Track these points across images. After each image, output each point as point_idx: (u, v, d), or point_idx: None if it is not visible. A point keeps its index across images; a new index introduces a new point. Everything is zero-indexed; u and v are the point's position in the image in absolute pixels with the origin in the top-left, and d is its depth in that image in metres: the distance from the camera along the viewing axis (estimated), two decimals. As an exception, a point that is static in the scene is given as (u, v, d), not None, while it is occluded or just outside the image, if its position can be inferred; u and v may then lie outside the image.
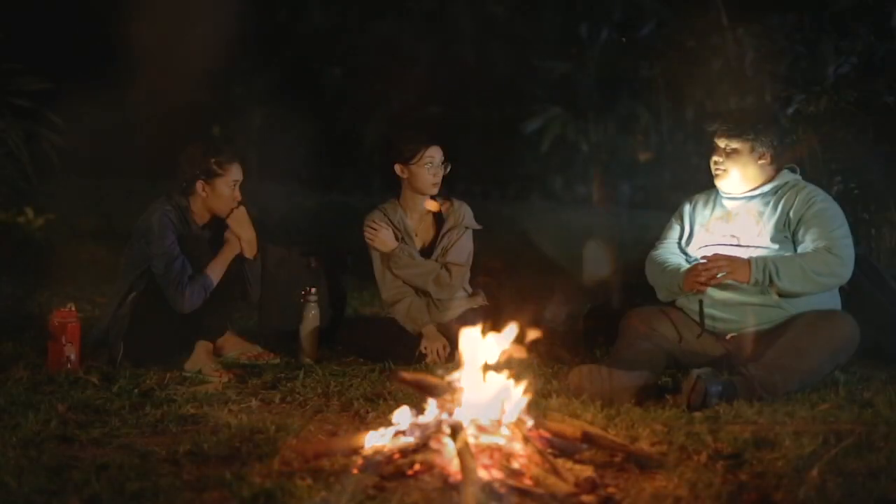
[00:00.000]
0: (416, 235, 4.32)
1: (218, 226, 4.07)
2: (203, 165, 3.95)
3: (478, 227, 4.37)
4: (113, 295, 4.02)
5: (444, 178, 4.27)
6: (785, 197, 3.77)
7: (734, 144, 3.77)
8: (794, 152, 4.85)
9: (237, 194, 4.01)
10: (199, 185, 3.95)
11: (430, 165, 4.21)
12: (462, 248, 4.29)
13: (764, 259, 3.64)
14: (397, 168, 4.25)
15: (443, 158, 4.24)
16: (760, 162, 3.78)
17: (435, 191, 4.27)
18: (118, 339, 3.90)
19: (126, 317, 3.91)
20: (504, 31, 14.52)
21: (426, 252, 4.31)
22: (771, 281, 3.60)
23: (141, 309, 3.91)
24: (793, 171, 3.88)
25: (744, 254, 3.72)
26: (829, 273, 3.62)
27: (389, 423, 2.79)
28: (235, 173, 4.00)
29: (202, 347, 3.94)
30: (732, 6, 10.44)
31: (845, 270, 3.66)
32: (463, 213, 4.33)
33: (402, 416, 2.76)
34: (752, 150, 3.76)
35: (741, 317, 3.74)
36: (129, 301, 3.92)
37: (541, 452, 2.63)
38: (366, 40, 14.42)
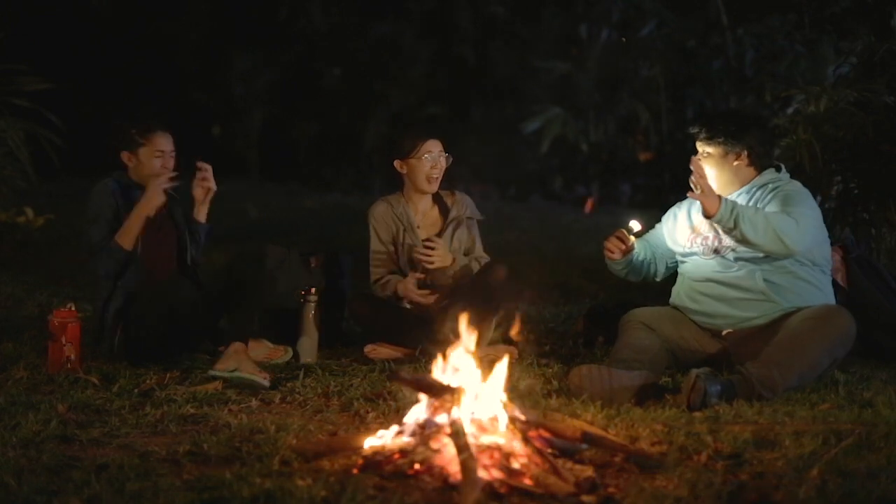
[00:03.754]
0: (420, 228, 4.32)
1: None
2: (125, 136, 4.01)
3: (481, 217, 4.41)
4: (96, 290, 4.04)
5: (446, 171, 4.28)
6: (758, 194, 3.80)
7: (708, 149, 3.81)
8: (795, 152, 4.86)
9: (169, 164, 4.04)
10: (125, 155, 4.02)
11: (429, 158, 4.22)
12: (478, 239, 4.36)
13: (734, 202, 3.64)
14: (396, 164, 4.27)
15: (441, 151, 4.26)
16: (736, 163, 3.80)
17: (433, 187, 4.28)
18: (115, 329, 3.90)
19: (119, 303, 3.92)
20: (504, 31, 14.53)
21: None
22: (735, 224, 3.57)
23: (136, 308, 3.91)
24: (778, 170, 3.89)
25: (726, 257, 3.77)
26: (787, 235, 3.58)
27: (389, 423, 2.80)
28: (160, 143, 4.03)
29: (238, 347, 3.83)
30: (732, 6, 10.45)
31: (800, 239, 3.62)
32: (466, 205, 4.36)
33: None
34: (725, 153, 3.79)
35: (736, 310, 3.75)
36: (106, 284, 3.93)
37: (540, 453, 2.63)
38: (366, 40, 14.43)
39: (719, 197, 3.63)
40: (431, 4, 14.59)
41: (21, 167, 6.27)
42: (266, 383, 3.66)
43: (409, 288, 4.18)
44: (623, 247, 3.88)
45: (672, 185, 12.89)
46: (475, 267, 4.26)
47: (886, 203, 4.87)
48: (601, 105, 13.41)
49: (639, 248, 3.95)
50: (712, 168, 3.80)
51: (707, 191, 3.63)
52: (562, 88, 13.83)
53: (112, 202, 3.94)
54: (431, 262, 4.16)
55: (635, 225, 3.90)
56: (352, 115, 14.70)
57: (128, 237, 3.92)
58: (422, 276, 4.19)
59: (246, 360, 3.79)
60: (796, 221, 3.62)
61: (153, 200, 3.96)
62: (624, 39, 12.74)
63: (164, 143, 4.04)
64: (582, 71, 13.42)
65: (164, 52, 14.88)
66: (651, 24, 12.39)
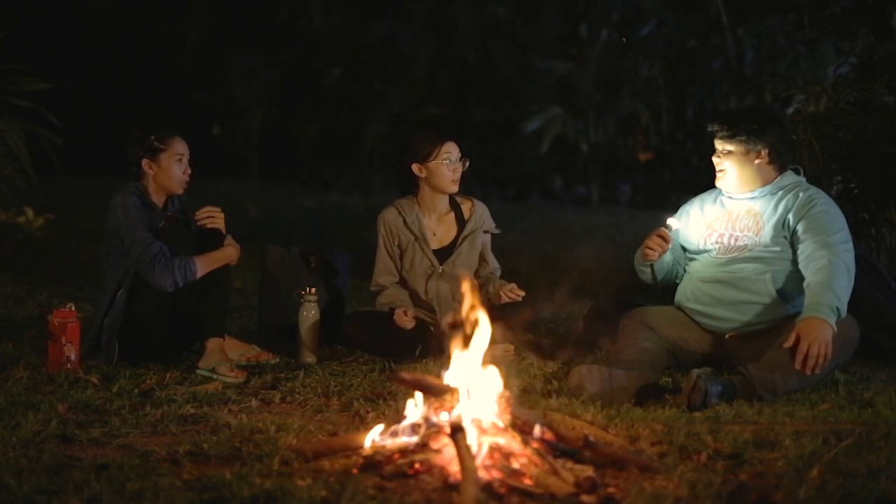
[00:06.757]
0: (435, 235, 4.28)
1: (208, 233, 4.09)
2: (145, 144, 4.02)
3: (497, 231, 4.37)
4: (100, 298, 3.99)
5: (463, 174, 4.24)
6: (786, 198, 3.77)
7: (728, 146, 3.79)
8: (794, 152, 4.86)
9: (187, 169, 4.07)
10: (145, 163, 4.02)
11: (448, 161, 4.19)
12: (489, 248, 4.35)
13: (825, 306, 3.45)
14: (415, 168, 4.21)
15: (459, 154, 4.23)
16: (757, 161, 3.78)
17: (456, 187, 4.24)
18: (112, 340, 3.89)
19: (119, 317, 3.90)
20: (504, 31, 14.52)
21: (444, 252, 4.27)
22: (844, 307, 3.52)
23: (133, 308, 3.90)
24: (797, 172, 3.88)
25: (738, 257, 3.74)
26: (854, 267, 3.62)
27: (389, 423, 2.79)
28: (178, 147, 4.06)
29: (215, 344, 3.92)
30: (732, 6, 10.46)
31: (853, 271, 3.64)
32: (483, 217, 4.33)
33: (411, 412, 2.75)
34: (747, 151, 3.77)
35: (741, 315, 3.74)
36: (119, 300, 3.91)
37: (540, 453, 2.62)
38: (366, 40, 14.42)
39: (824, 324, 3.40)
40: (431, 4, 14.58)
41: (21, 167, 6.27)
42: (239, 381, 3.74)
43: (404, 320, 4.11)
44: (666, 245, 3.82)
45: (672, 185, 12.91)
46: (494, 287, 4.19)
47: (886, 203, 4.87)
48: (601, 105, 13.40)
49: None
50: (733, 164, 3.79)
51: (824, 340, 3.39)
52: (562, 88, 13.81)
53: (143, 215, 3.93)
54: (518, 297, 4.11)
55: (674, 223, 3.86)
56: (352, 115, 14.69)
57: (206, 268, 3.93)
58: (440, 320, 4.14)
59: (223, 359, 3.88)
60: (844, 262, 3.59)
61: (233, 254, 4.04)
62: (624, 39, 12.74)
63: (182, 147, 4.08)
64: (582, 71, 13.41)
65: (164, 52, 14.88)
66: (651, 24, 12.39)
